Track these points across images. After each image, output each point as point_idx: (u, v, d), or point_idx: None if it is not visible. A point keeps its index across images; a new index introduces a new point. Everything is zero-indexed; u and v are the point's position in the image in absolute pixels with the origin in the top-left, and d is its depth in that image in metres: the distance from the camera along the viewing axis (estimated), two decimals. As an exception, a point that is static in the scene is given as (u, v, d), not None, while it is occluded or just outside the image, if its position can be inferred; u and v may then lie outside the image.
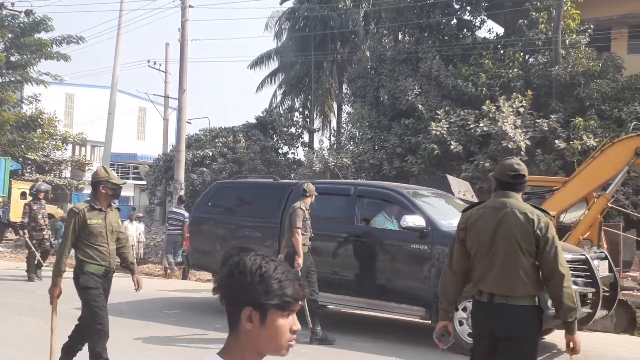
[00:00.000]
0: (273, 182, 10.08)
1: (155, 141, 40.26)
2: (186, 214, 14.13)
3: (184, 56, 20.49)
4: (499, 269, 3.84)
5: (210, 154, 27.55)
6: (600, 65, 19.75)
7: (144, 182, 35.60)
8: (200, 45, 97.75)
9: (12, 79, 31.96)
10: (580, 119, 18.81)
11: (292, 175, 27.94)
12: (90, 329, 5.32)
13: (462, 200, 10.12)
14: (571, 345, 3.82)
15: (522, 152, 18.32)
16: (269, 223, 8.96)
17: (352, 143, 25.97)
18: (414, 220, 7.77)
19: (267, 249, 8.39)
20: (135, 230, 17.45)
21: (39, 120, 31.61)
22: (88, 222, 5.37)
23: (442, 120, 20.05)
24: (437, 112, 20.49)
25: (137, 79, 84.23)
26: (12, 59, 31.46)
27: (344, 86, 32.34)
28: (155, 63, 31.23)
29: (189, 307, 10.07)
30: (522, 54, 21.94)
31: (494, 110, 19.40)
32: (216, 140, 28.55)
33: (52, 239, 14.18)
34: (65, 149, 37.40)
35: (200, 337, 7.85)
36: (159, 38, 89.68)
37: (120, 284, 9.28)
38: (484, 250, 3.91)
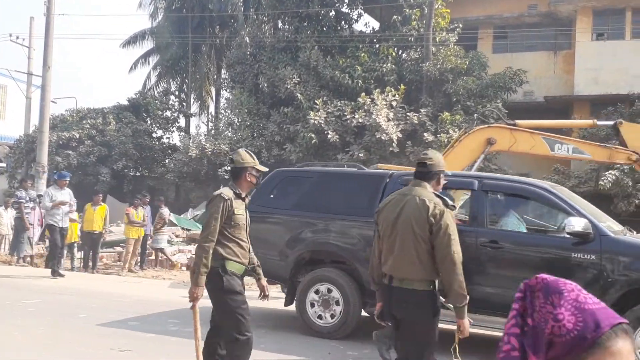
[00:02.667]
0: (360, 171, 8.17)
1: (17, 121, 37.36)
2: (20, 195, 13.66)
3: (49, 31, 19.23)
4: (397, 253, 4.02)
5: (77, 136, 26.06)
6: (467, 63, 20.93)
7: (3, 165, 32.97)
8: (68, 20, 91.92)
9: None
10: (447, 113, 19.85)
11: (167, 161, 27.16)
12: (232, 341, 4.49)
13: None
14: (461, 328, 4.02)
15: (394, 144, 19.05)
16: (356, 221, 7.27)
17: (230, 129, 25.68)
18: (579, 224, 6.10)
19: (355, 254, 7.09)
20: (9, 219, 15.89)
21: None
22: (235, 212, 4.53)
23: (320, 110, 20.35)
24: (316, 101, 20.75)
25: (-4, 53, 77.65)
26: None
27: (223, 71, 31.86)
28: (18, 37, 29.03)
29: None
30: (395, 49, 22.74)
31: (369, 102, 19.97)
32: (84, 122, 27.06)
33: None
34: None
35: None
36: (22, 11, 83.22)
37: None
38: (387, 234, 4.12)
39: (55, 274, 11.06)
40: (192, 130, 30.65)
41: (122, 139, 26.13)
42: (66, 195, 11.47)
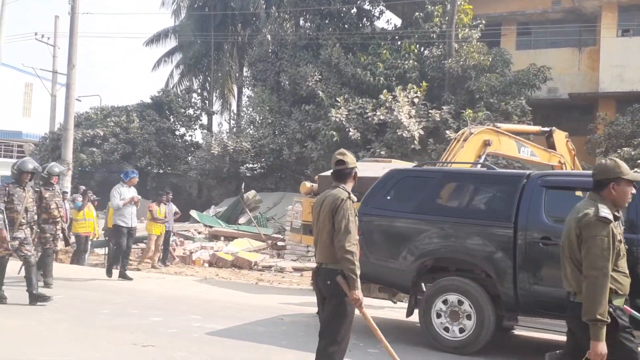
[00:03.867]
0: (493, 171, 7.55)
1: (42, 119, 37.94)
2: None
3: (74, 30, 19.44)
4: (321, 241, 4.66)
5: (102, 133, 26.41)
6: (490, 59, 20.76)
7: (29, 162, 33.42)
8: (92, 19, 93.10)
9: None
10: (470, 110, 19.68)
11: (190, 158, 27.38)
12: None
13: None
14: (354, 296, 4.44)
15: (415, 141, 18.97)
16: (490, 225, 6.61)
17: (252, 127, 25.80)
18: None
19: (489, 262, 6.52)
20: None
21: None
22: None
23: (342, 108, 20.33)
24: (337, 99, 20.74)
25: (23, 52, 78.87)
26: None
27: (245, 69, 31.98)
28: (43, 36, 29.45)
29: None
30: (417, 45, 22.62)
31: (390, 99, 19.89)
32: (108, 120, 27.41)
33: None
34: (-59, 124, 34.44)
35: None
36: (47, 10, 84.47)
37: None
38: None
39: (125, 276, 10.69)
40: (215, 128, 30.91)
41: (145, 137, 26.41)
42: (134, 194, 11.06)
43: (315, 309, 8.46)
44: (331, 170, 4.85)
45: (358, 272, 4.47)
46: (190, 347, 6.31)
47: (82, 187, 15.13)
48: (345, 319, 4.53)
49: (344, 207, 4.52)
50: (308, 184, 11.23)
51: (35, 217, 8.57)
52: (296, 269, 13.84)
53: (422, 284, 7.09)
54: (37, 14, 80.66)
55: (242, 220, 19.33)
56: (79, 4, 19.65)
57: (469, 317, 6.48)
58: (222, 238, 17.75)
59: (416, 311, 6.92)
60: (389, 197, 7.38)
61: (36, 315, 7.47)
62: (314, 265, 13.22)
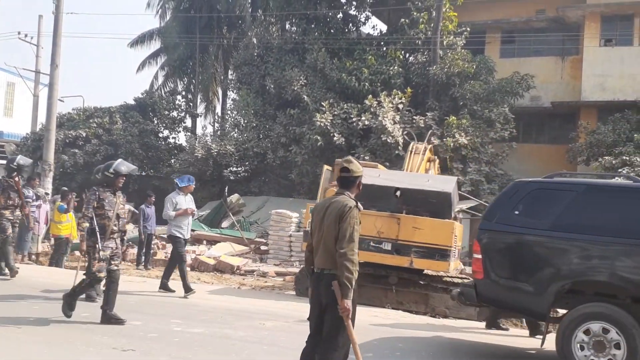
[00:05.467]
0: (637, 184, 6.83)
1: (24, 119, 37.50)
2: (27, 193, 13.32)
3: (57, 30, 19.31)
4: (324, 246, 4.65)
5: (84, 134, 26.17)
6: (474, 67, 20.90)
7: (9, 162, 33.01)
8: (77, 19, 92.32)
9: None
10: (453, 117, 19.82)
11: (173, 161, 27.21)
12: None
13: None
14: (343, 305, 4.40)
15: (399, 147, 19.03)
16: None
17: (236, 130, 25.72)
18: None
19: None
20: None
21: None
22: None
23: (327, 112, 20.34)
24: (322, 103, 20.75)
25: (5, 51, 77.99)
26: None
27: (230, 72, 31.89)
28: (26, 36, 29.17)
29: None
30: (403, 52, 22.72)
31: (375, 105, 19.95)
32: (90, 121, 27.16)
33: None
34: None
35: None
36: (31, 9, 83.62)
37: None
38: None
39: (167, 288, 10.13)
40: (199, 131, 30.75)
41: (128, 139, 26.21)
42: (190, 202, 10.38)
43: (300, 314, 8.44)
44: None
45: (354, 282, 4.43)
46: (171, 351, 6.26)
47: (64, 189, 14.98)
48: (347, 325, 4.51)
49: (351, 214, 4.51)
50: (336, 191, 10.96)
51: (127, 225, 7.97)
52: (279, 274, 13.79)
53: (554, 310, 6.59)
54: (21, 13, 79.80)
55: (225, 224, 19.25)
56: (64, 3, 19.52)
57: (617, 346, 5.89)
58: (204, 242, 17.66)
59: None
60: (517, 212, 6.68)
61: (16, 319, 7.36)
62: (296, 270, 13.13)
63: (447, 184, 10.56)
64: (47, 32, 25.88)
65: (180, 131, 30.09)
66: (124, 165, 7.67)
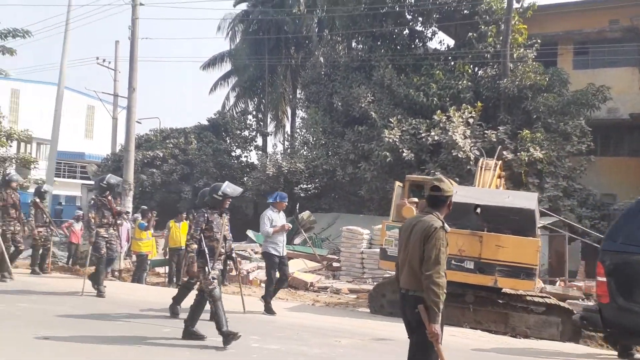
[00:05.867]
0: None
1: (104, 140, 39.39)
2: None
3: (134, 54, 20.14)
4: (409, 267, 4.57)
5: (161, 154, 27.20)
6: (547, 79, 20.43)
7: (92, 182, 34.67)
8: (152, 44, 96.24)
9: (-46, 72, 30.77)
10: (527, 131, 19.41)
11: (245, 179, 27.85)
12: None
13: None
14: (432, 330, 4.32)
15: (471, 162, 18.79)
16: None
17: (305, 148, 26.10)
18: None
19: None
20: (79, 229, 17.14)
21: (-18, 115, 30.42)
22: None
23: (395, 128, 20.36)
24: (390, 119, 20.79)
25: (85, 76, 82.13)
26: (-46, 51, 30.26)
27: (298, 91, 32.44)
28: (104, 60, 30.63)
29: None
30: (471, 66, 22.50)
31: (444, 120, 19.82)
32: (167, 141, 28.21)
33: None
34: (10, 146, 36.12)
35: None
36: (109, 35, 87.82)
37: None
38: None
39: (270, 311, 9.91)
40: (269, 149, 31.35)
41: (203, 158, 27.04)
42: (283, 218, 10.28)
43: (376, 332, 8.49)
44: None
45: (441, 305, 4.34)
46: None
47: (144, 207, 15.60)
48: (433, 349, 4.43)
49: (437, 235, 4.39)
50: (413, 209, 10.63)
51: (232, 246, 8.02)
52: (352, 291, 13.85)
53: None
54: (99, 39, 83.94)
55: (297, 240, 19.51)
56: (139, 29, 20.40)
57: None
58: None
59: None
60: None
61: (100, 333, 7.73)
62: (369, 287, 13.11)
63: (529, 200, 10.34)
64: (124, 57, 27.13)
65: (251, 150, 30.83)
66: (230, 188, 7.76)
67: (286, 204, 10.34)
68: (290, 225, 10.72)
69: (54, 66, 54.93)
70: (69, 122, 39.12)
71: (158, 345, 7.23)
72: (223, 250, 7.59)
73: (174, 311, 8.92)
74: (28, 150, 43.08)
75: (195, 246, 7.34)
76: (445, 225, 4.49)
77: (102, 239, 10.61)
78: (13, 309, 9.03)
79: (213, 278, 7.33)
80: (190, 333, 7.48)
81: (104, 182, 10.94)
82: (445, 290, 4.38)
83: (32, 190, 13.96)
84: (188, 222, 14.51)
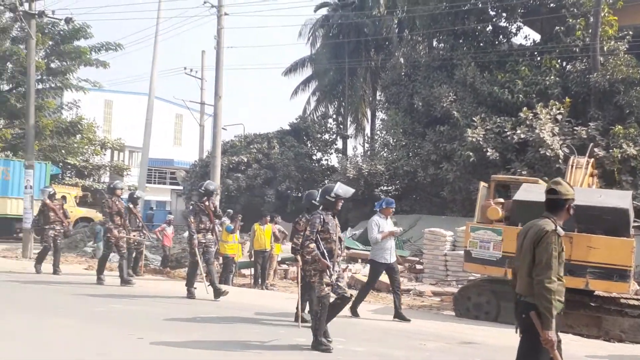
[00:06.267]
0: None
1: (192, 147, 40.89)
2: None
3: (219, 63, 20.77)
4: (520, 272, 4.45)
5: (245, 159, 27.90)
6: (640, 72, 19.40)
7: (181, 188, 36.06)
8: (236, 53, 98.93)
9: (53, 85, 32.81)
10: (619, 126, 18.50)
11: (326, 182, 28.09)
12: None
13: None
14: (546, 337, 4.16)
15: (560, 160, 18.10)
16: None
17: (385, 150, 26.00)
18: None
19: None
20: (170, 233, 17.87)
21: (79, 125, 32.31)
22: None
23: (478, 127, 19.92)
24: (473, 119, 20.36)
25: (173, 86, 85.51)
26: (53, 65, 32.29)
27: (378, 93, 32.38)
28: (191, 70, 31.78)
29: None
30: (559, 60, 21.68)
31: (531, 117, 19.21)
32: (251, 147, 28.90)
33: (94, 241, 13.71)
34: (104, 154, 38.20)
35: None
36: (195, 45, 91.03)
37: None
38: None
39: (355, 314, 9.68)
40: (349, 152, 31.45)
41: (285, 162, 27.52)
42: (391, 224, 9.98)
43: (462, 336, 8.36)
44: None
45: (554, 311, 4.18)
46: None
47: (230, 211, 16.05)
48: (538, 357, 4.29)
49: (548, 240, 4.25)
50: (499, 210, 10.41)
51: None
52: (435, 293, 13.67)
53: None
54: (186, 50, 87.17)
55: (378, 242, 19.41)
56: (224, 38, 21.02)
57: None
58: (359, 260, 17.97)
59: None
60: None
61: (191, 334, 8.02)
62: (453, 290, 12.89)
63: (622, 199, 9.85)
64: (210, 66, 28.03)
65: (332, 153, 31.06)
66: (342, 189, 7.56)
67: (393, 209, 10.00)
68: (399, 230, 10.38)
69: (144, 77, 57.56)
70: (158, 130, 40.85)
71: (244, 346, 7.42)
72: (340, 252, 7.43)
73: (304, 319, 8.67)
74: (121, 158, 45.36)
75: (313, 245, 7.16)
76: (559, 228, 4.32)
77: (200, 245, 10.73)
78: (121, 308, 9.52)
79: (327, 284, 7.14)
80: (317, 345, 7.16)
81: (202, 188, 11.12)
82: (559, 297, 4.21)
83: (125, 196, 14.61)
84: (272, 225, 14.84)
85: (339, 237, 7.45)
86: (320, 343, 7.12)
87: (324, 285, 7.13)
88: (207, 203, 10.92)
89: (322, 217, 7.29)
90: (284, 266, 16.96)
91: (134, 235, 13.72)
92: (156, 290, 12.01)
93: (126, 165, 40.29)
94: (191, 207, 11.26)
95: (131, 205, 14.06)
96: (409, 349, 7.60)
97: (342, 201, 7.53)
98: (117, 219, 12.42)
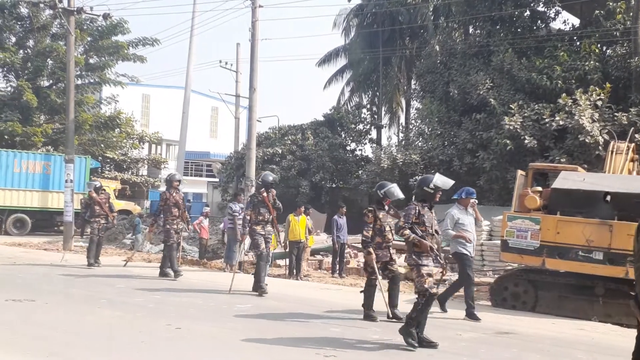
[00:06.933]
0: None
1: (227, 139, 41.18)
2: (235, 207, 14.47)
3: (254, 56, 20.78)
4: None
5: (280, 151, 27.98)
6: (685, 54, 18.74)
7: (217, 180, 36.46)
8: (270, 45, 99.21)
9: (91, 80, 33.51)
10: (663, 111, 17.93)
11: (360, 172, 28.00)
12: None
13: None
14: None
15: (600, 147, 17.65)
16: None
17: (420, 139, 25.75)
18: None
19: None
20: (207, 225, 18.04)
21: (117, 120, 32.93)
22: None
23: (516, 115, 19.56)
24: (510, 106, 19.99)
25: (209, 79, 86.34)
26: (91, 61, 32.98)
27: (413, 82, 32.08)
28: (226, 63, 31.97)
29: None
30: (599, 45, 21.08)
31: (570, 103, 18.77)
32: (285, 138, 28.96)
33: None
34: (142, 148, 38.84)
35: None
36: (230, 38, 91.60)
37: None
38: None
39: (473, 316, 9.01)
40: (384, 142, 31.29)
41: (319, 153, 27.51)
42: (472, 216, 9.43)
43: (498, 326, 8.25)
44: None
45: None
46: (371, 357, 6.48)
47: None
48: None
49: None
50: (537, 198, 10.14)
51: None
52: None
53: None
54: (221, 43, 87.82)
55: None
56: (259, 31, 21.03)
57: None
58: (394, 250, 17.85)
59: None
60: None
61: (226, 323, 8.12)
62: (490, 280, 12.72)
63: (584, 182, 9.64)
64: (245, 59, 28.11)
65: (366, 143, 30.92)
66: (441, 180, 7.31)
67: (474, 200, 9.38)
68: (481, 221, 9.65)
69: (180, 71, 58.20)
70: (194, 123, 41.33)
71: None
72: (435, 246, 7.06)
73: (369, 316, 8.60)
74: (158, 151, 46.08)
75: (408, 231, 6.85)
76: None
77: (260, 236, 10.57)
78: (171, 300, 9.69)
79: (428, 275, 6.87)
80: (420, 340, 6.92)
81: (260, 179, 11.03)
82: None
83: (162, 188, 14.80)
84: (307, 216, 14.86)
85: (436, 230, 7.10)
86: (408, 334, 6.85)
87: (425, 277, 6.81)
88: (265, 194, 10.67)
89: (417, 208, 6.99)
90: (318, 257, 16.99)
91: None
92: (194, 281, 12.15)
93: (163, 158, 40.93)
94: (249, 199, 11.11)
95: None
96: (444, 340, 7.51)
97: (441, 193, 7.28)
98: (175, 211, 12.38)
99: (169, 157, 45.75)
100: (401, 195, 8.15)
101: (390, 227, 8.58)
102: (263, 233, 10.65)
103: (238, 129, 32.64)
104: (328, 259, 16.18)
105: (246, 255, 16.03)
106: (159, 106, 48.41)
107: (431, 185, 7.07)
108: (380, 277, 8.61)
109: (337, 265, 14.97)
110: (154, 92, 48.76)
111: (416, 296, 7.05)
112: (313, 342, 7.04)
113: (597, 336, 8.23)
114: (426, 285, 6.82)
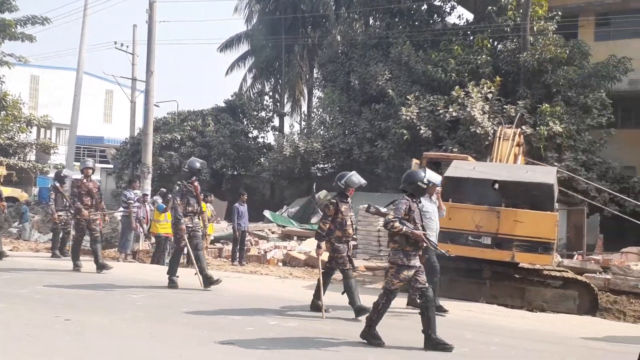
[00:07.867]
0: None
1: (123, 124, 39.53)
2: (129, 195, 14.13)
3: (151, 38, 20.14)
4: None
5: (179, 137, 27.26)
6: (567, 52, 20.04)
7: (111, 166, 34.98)
8: (169, 27, 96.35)
9: (-26, 59, 31.05)
10: (546, 105, 19.11)
11: (262, 160, 27.89)
12: None
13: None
14: None
15: (489, 138, 18.55)
16: None
17: (322, 128, 25.98)
18: None
19: None
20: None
21: (3, 102, 30.79)
22: None
23: (412, 106, 20.16)
24: (407, 97, 20.58)
25: (104, 61, 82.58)
26: (-26, 38, 30.54)
27: (315, 70, 32.25)
28: (122, 45, 30.65)
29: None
30: (491, 40, 22.12)
31: (463, 96, 19.57)
32: (185, 124, 28.25)
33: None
34: (30, 132, 36.56)
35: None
36: (126, 19, 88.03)
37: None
38: None
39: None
40: (286, 130, 31.29)
41: (220, 140, 27.07)
42: (435, 206, 8.84)
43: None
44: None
45: None
46: (269, 345, 6.45)
47: (163, 190, 15.70)
48: None
49: None
50: None
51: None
52: (368, 268, 13.85)
53: None
54: (117, 24, 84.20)
55: (314, 220, 19.52)
56: (156, 13, 20.35)
57: None
58: (294, 237, 18.00)
59: None
60: None
61: (120, 313, 7.81)
62: (386, 264, 13.08)
63: (547, 175, 10.24)
64: (142, 41, 27.13)
65: (268, 130, 30.80)
66: (433, 176, 7.20)
67: (438, 187, 8.77)
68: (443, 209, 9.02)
69: (72, 52, 55.33)
70: (87, 107, 39.38)
71: (178, 325, 7.25)
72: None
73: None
74: (48, 135, 43.57)
75: (398, 223, 6.49)
76: None
77: (187, 229, 9.69)
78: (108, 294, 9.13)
79: (404, 280, 6.63)
80: (435, 343, 6.48)
81: (186, 166, 10.05)
82: None
83: (52, 175, 14.04)
84: (208, 204, 14.56)
85: (422, 226, 6.84)
86: (373, 336, 6.63)
87: (400, 281, 6.62)
88: (196, 184, 9.86)
89: (408, 204, 6.72)
90: (218, 245, 16.77)
91: (59, 215, 13.40)
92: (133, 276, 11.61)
93: (53, 143, 38.70)
94: (177, 187, 10.03)
95: (58, 184, 13.67)
96: (338, 322, 7.62)
97: (437, 186, 7.28)
98: (88, 200, 11.40)
99: (60, 142, 43.34)
100: (363, 181, 8.02)
101: (352, 221, 8.26)
102: (191, 226, 9.80)
103: (134, 113, 31.37)
104: (228, 247, 16.00)
105: (145, 241, 15.51)
106: (49, 88, 45.69)
107: (425, 180, 6.97)
108: (322, 270, 8.31)
109: (238, 253, 14.83)
110: (44, 74, 45.98)
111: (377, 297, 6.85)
112: (208, 329, 6.92)
113: (485, 317, 8.65)
114: (393, 287, 6.67)
